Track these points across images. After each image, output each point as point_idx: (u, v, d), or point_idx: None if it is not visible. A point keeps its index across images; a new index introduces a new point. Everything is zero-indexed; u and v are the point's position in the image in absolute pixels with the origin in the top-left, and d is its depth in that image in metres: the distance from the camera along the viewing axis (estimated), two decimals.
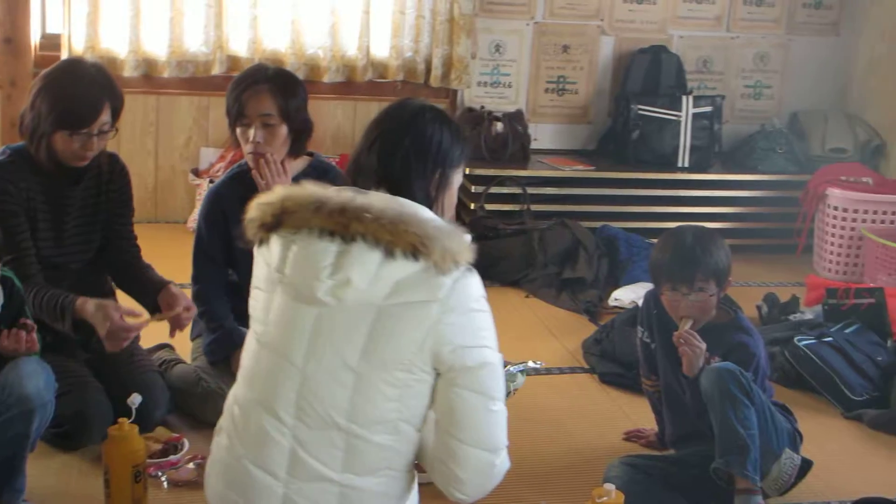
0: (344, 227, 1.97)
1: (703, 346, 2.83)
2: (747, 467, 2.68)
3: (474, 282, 2.06)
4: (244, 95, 3.10)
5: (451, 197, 2.22)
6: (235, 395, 2.13)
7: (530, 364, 2.87)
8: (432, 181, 2.16)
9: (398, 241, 1.96)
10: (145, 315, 3.06)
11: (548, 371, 3.79)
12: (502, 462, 2.08)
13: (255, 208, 2.08)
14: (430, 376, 2.02)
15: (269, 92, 3.10)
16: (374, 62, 5.33)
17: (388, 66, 5.34)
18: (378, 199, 2.01)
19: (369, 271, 1.96)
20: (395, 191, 2.07)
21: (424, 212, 2.05)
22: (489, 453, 2.04)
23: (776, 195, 5.54)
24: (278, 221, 2.04)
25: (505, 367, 2.72)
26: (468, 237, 2.05)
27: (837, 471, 3.24)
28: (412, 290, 1.97)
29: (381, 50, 5.36)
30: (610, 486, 2.41)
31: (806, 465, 2.93)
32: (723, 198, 5.51)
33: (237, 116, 3.13)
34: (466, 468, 2.03)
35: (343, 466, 2.00)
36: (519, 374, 2.85)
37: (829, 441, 3.48)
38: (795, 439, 2.94)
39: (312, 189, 2.03)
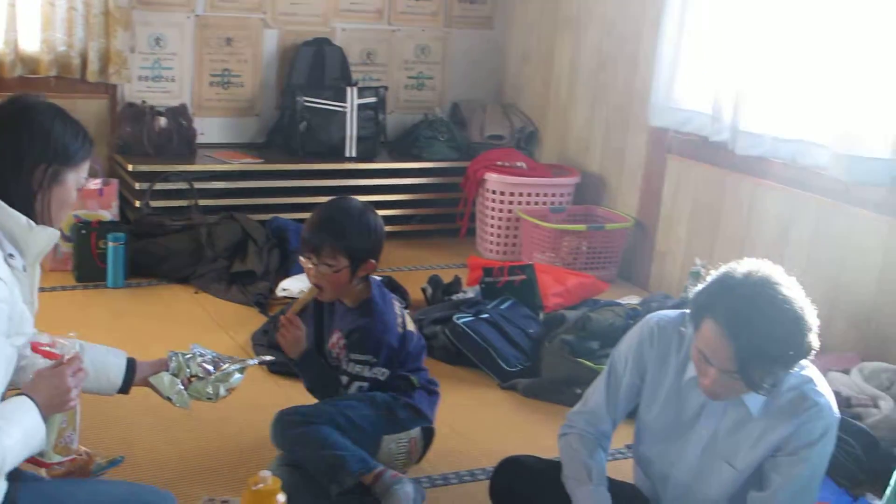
0: None
1: (302, 330, 2.93)
2: (352, 470, 2.73)
3: None
4: None
5: (62, 195, 2.22)
6: None
7: (250, 361, 2.74)
8: (34, 178, 2.16)
9: None
10: None
11: None
12: None
13: None
14: None
15: None
16: (23, 57, 5.05)
17: (39, 62, 5.08)
18: None
19: None
20: None
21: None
22: None
23: (440, 181, 5.78)
24: None
25: (221, 366, 2.68)
26: (55, 234, 2.20)
27: (494, 438, 3.44)
28: None
29: (30, 44, 5.09)
30: (266, 473, 2.43)
31: (428, 434, 3.03)
32: (390, 186, 5.67)
33: None
34: None
35: None
36: (236, 373, 2.68)
37: (487, 411, 3.69)
38: (413, 417, 2.99)
39: None
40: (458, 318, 4.03)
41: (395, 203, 5.70)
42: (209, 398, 2.65)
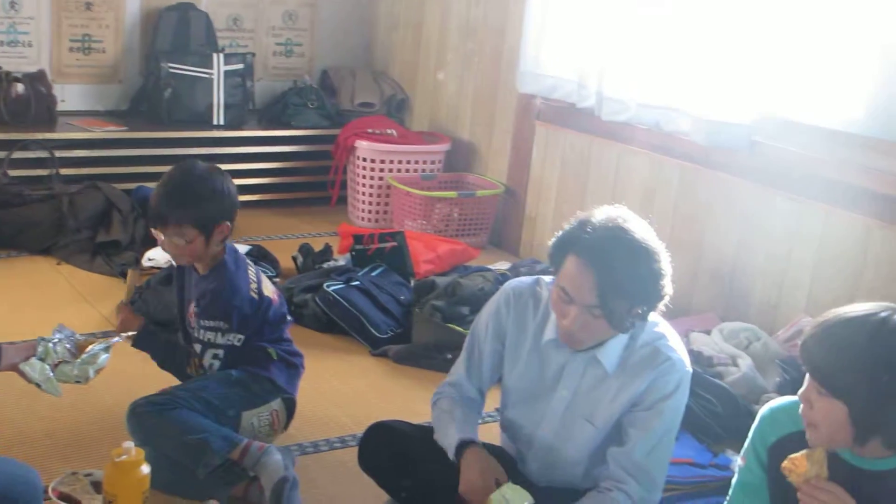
0: None
1: (133, 315, 2.97)
2: (217, 450, 2.70)
3: None
4: None
5: None
6: None
7: (114, 339, 2.69)
8: None
9: None
10: None
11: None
12: None
13: None
14: None
15: None
16: None
17: None
18: None
19: None
20: None
21: None
22: None
23: (310, 149, 5.72)
24: None
25: (87, 347, 2.62)
26: None
27: (365, 404, 3.43)
28: None
29: None
30: (129, 444, 2.38)
31: (290, 404, 3.01)
32: (259, 154, 5.59)
33: None
34: None
35: None
36: (102, 353, 2.63)
37: (359, 378, 3.68)
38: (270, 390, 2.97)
39: None
40: (328, 286, 4.00)
41: (265, 171, 5.62)
42: (78, 381, 2.62)
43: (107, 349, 2.66)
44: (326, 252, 4.56)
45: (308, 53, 6.15)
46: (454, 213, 5.17)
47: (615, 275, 2.20)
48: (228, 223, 2.86)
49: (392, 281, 4.19)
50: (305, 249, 4.57)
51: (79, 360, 2.61)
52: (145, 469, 2.39)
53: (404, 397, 3.50)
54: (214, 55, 5.49)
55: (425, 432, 2.53)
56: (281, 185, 5.69)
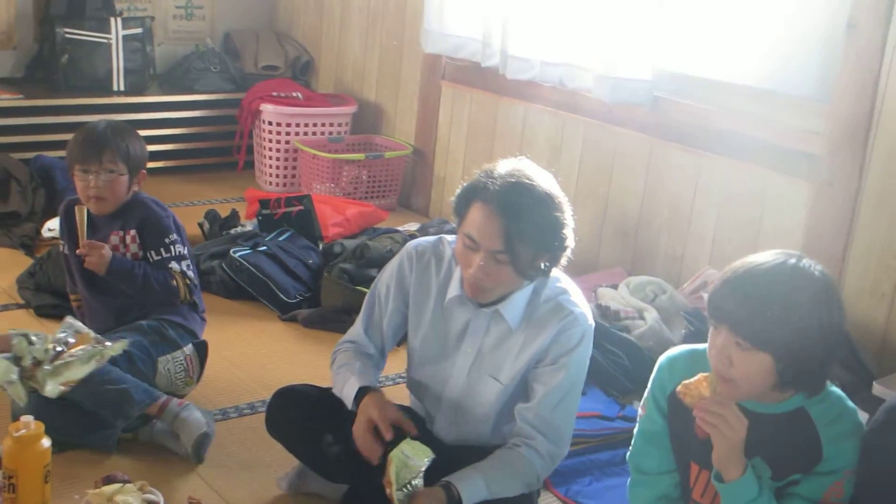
0: None
1: (106, 248, 2.94)
2: (137, 401, 2.74)
3: None
4: None
5: None
6: None
7: (102, 349, 2.52)
8: None
9: None
10: None
11: None
12: None
13: None
14: None
15: None
16: None
17: None
18: None
19: None
20: None
21: None
22: None
23: (214, 114, 5.63)
24: None
25: (64, 353, 2.47)
26: None
27: (275, 370, 3.41)
28: None
29: None
30: (28, 418, 2.33)
31: (202, 349, 3.08)
32: (162, 120, 5.48)
33: None
34: None
35: None
36: (78, 364, 2.42)
37: (268, 343, 3.65)
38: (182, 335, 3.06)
39: None
40: (235, 252, 3.96)
41: (169, 137, 5.51)
42: (47, 393, 2.40)
43: (87, 360, 2.42)
44: (233, 218, 4.50)
45: (209, 16, 6.03)
46: (362, 176, 5.14)
47: (520, 221, 2.22)
48: (144, 171, 3.08)
49: (300, 245, 4.15)
50: (212, 216, 4.50)
51: (50, 368, 2.36)
52: (46, 443, 2.34)
53: (314, 361, 3.48)
54: (112, 19, 5.35)
55: (331, 396, 2.51)
56: (185, 151, 5.59)
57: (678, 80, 3.95)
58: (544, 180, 2.30)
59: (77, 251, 2.98)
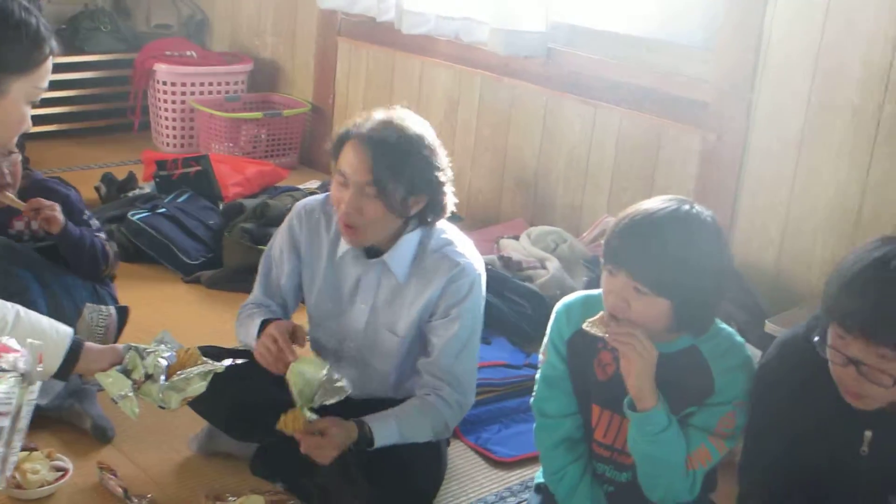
0: None
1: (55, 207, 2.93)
2: None
3: None
4: None
5: (7, 112, 1.93)
6: None
7: (217, 365, 2.34)
8: None
9: None
10: None
11: None
12: None
13: None
14: None
15: None
16: None
17: None
18: None
19: None
20: None
21: None
22: None
23: (106, 75, 5.51)
24: None
25: (183, 364, 2.33)
26: None
27: (182, 332, 3.32)
28: None
29: None
30: None
31: (123, 315, 3.07)
32: (53, 82, 5.26)
33: None
34: None
35: None
36: (197, 381, 2.28)
37: (173, 306, 3.64)
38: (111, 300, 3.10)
39: None
40: (132, 215, 3.92)
41: (60, 100, 5.37)
42: (161, 406, 2.27)
43: (205, 376, 2.29)
44: (130, 180, 4.44)
45: None
46: (261, 134, 5.11)
47: (388, 155, 2.29)
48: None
49: (199, 206, 4.12)
50: (108, 179, 4.44)
51: (166, 383, 2.25)
52: None
53: (220, 322, 3.47)
54: None
55: (238, 354, 2.52)
56: (78, 113, 5.47)
57: (572, 31, 4.01)
58: (417, 123, 2.38)
59: (22, 214, 2.93)
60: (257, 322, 2.46)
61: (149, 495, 2.51)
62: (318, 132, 5.20)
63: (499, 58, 4.11)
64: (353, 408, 2.39)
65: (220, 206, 4.20)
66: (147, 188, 4.40)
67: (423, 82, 4.59)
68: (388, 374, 2.52)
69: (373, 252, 2.46)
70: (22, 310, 2.18)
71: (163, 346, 2.31)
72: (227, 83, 5.35)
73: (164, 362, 2.25)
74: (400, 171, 2.30)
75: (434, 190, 2.37)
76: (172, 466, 2.67)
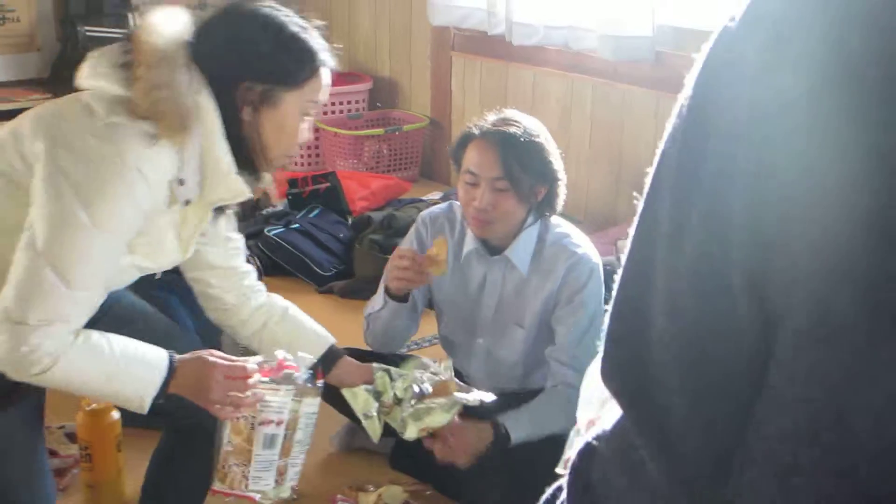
0: None
1: None
2: None
3: None
4: None
5: (280, 125, 1.90)
6: None
7: (468, 398, 2.30)
8: (239, 93, 1.84)
9: None
10: None
11: None
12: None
13: None
14: None
15: None
16: None
17: None
18: None
19: None
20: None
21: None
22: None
23: None
24: None
25: (425, 398, 2.31)
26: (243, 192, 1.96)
27: None
28: None
29: None
30: None
31: None
32: None
33: None
34: None
35: None
36: (440, 413, 2.26)
37: (308, 314, 3.83)
38: None
39: None
40: (269, 231, 4.14)
41: None
42: (400, 433, 2.25)
43: (449, 409, 2.22)
44: (264, 199, 4.67)
45: None
46: (383, 150, 5.30)
47: (515, 148, 2.46)
48: None
49: (330, 220, 4.33)
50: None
51: (410, 410, 2.20)
52: (115, 414, 2.54)
53: (352, 328, 3.63)
54: (129, 14, 5.50)
55: (375, 357, 2.69)
56: None
57: (678, 33, 4.09)
58: (530, 118, 2.56)
59: None
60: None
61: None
62: (438, 145, 5.38)
63: (608, 63, 4.22)
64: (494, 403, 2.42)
65: (349, 220, 4.40)
66: (280, 206, 4.64)
67: (535, 91, 4.73)
68: (517, 365, 2.66)
69: (495, 250, 2.62)
70: (292, 308, 2.35)
71: (420, 374, 2.26)
72: (349, 102, 5.57)
73: (416, 389, 2.21)
74: (526, 162, 2.46)
75: (553, 180, 2.53)
76: (316, 462, 2.83)
